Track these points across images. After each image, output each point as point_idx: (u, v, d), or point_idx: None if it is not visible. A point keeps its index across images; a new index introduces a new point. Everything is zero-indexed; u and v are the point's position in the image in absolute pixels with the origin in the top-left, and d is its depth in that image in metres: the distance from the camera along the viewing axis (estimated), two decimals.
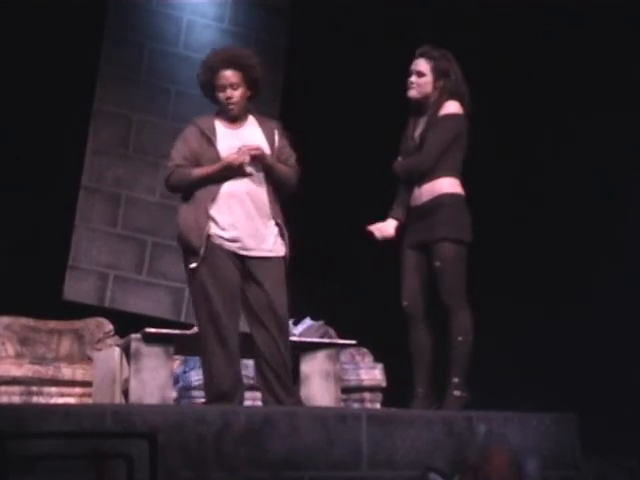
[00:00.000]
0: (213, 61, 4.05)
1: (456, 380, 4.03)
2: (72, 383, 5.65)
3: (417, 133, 4.26)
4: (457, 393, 4.02)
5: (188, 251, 3.95)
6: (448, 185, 4.16)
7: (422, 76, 4.22)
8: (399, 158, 4.31)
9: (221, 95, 4.02)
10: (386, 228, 4.30)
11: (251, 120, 4.13)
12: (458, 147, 4.19)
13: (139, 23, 7.01)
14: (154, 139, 6.95)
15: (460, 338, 4.05)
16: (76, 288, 6.70)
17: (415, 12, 6.48)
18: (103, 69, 6.84)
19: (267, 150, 4.04)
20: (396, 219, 4.32)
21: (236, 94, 4.01)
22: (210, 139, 4.00)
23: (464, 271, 4.13)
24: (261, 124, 4.13)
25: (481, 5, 6.22)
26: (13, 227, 6.41)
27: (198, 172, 3.96)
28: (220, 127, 4.05)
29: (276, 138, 4.11)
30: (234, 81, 4.00)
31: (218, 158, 3.96)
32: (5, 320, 5.92)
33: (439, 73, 4.21)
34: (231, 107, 4.03)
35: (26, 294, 6.14)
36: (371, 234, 4.30)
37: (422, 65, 4.23)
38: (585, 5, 5.63)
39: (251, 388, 5.99)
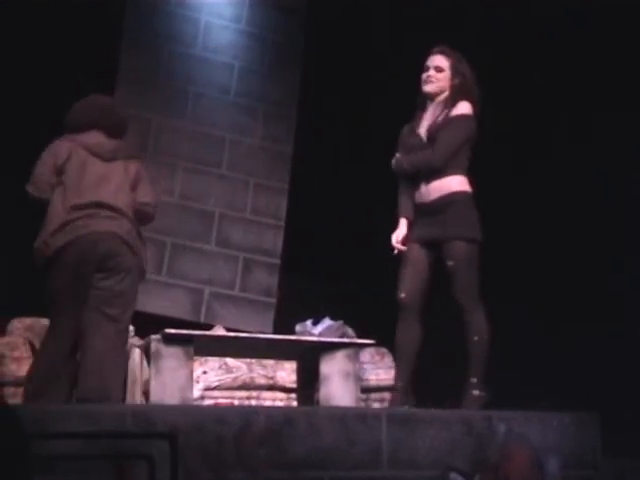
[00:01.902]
0: None
1: (474, 380, 4.05)
2: None
3: (422, 129, 4.28)
4: (476, 393, 4.03)
5: None
6: (458, 183, 4.19)
7: (441, 72, 4.28)
8: (397, 154, 4.33)
9: None
10: (402, 232, 4.32)
11: None
12: (466, 147, 4.23)
13: (157, 25, 7.02)
14: (172, 141, 6.97)
15: (476, 338, 4.06)
16: None
17: (429, 11, 6.47)
18: (121, 72, 6.86)
19: None
20: (407, 217, 4.33)
21: None
22: None
23: (477, 270, 4.14)
24: None
25: (483, 5, 6.21)
26: (33, 229, 6.44)
27: None
28: None
29: None
30: None
31: None
32: (27, 321, 5.95)
33: (456, 71, 4.26)
34: None
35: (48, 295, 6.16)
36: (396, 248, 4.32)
37: (441, 61, 4.29)
38: (586, 5, 5.60)
39: (270, 388, 6.02)
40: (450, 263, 4.11)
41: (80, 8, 6.32)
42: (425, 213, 4.23)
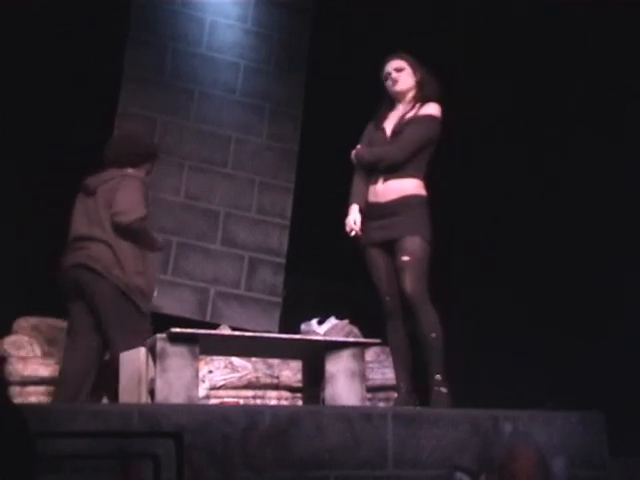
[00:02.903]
0: None
1: (439, 377, 4.05)
2: None
3: (388, 126, 4.30)
4: (444, 390, 4.02)
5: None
6: (416, 186, 4.20)
7: (401, 70, 4.38)
8: (359, 146, 4.33)
9: None
10: (358, 217, 4.29)
11: None
12: (428, 150, 4.23)
13: (162, 24, 7.02)
14: (178, 140, 6.98)
15: (434, 335, 4.05)
16: None
17: (436, 11, 6.47)
18: (127, 71, 6.86)
19: None
20: (359, 204, 4.31)
21: None
22: None
23: (428, 270, 4.12)
24: None
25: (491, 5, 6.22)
26: (40, 228, 6.45)
27: None
28: None
29: None
30: None
31: None
32: (32, 320, 5.96)
33: (416, 67, 4.36)
34: None
35: (53, 294, 6.17)
36: (352, 232, 4.30)
37: (398, 62, 4.39)
38: (589, 6, 5.60)
39: (276, 387, 6.02)
40: (405, 258, 4.10)
41: (85, 7, 6.33)
42: (379, 215, 4.22)
